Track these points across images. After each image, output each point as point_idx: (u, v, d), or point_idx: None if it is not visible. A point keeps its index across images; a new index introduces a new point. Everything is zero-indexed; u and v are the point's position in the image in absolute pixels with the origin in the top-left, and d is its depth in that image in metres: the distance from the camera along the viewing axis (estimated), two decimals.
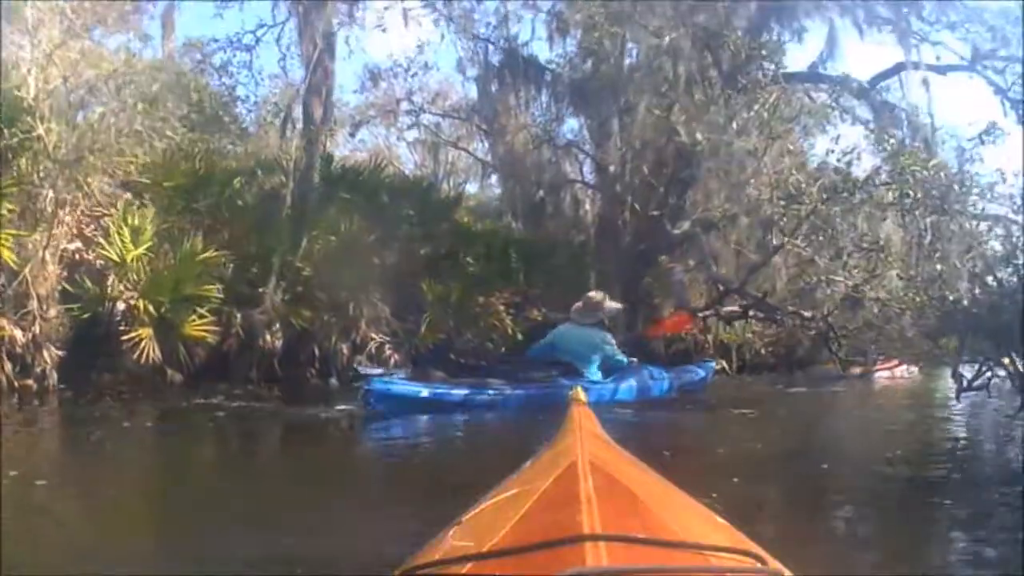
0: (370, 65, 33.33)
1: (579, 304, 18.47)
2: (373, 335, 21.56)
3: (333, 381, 20.84)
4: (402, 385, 15.56)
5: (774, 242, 22.36)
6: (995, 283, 14.24)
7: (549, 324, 22.11)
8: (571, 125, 29.67)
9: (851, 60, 25.98)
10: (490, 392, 16.34)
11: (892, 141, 20.31)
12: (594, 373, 17.42)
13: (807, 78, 25.90)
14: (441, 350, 20.94)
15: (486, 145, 33.32)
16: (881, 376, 29.50)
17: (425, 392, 15.58)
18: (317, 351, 20.94)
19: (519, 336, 23.67)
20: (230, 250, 20.05)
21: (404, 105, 33.83)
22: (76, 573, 5.72)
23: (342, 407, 16.36)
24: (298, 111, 24.00)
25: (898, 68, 25.59)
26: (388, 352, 21.51)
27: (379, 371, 16.71)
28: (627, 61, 26.40)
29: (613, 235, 27.50)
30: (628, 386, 17.99)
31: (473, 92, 30.93)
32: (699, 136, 22.29)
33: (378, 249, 22.26)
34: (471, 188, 36.19)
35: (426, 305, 22.69)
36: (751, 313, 24.23)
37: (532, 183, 29.66)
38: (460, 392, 16.05)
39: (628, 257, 26.61)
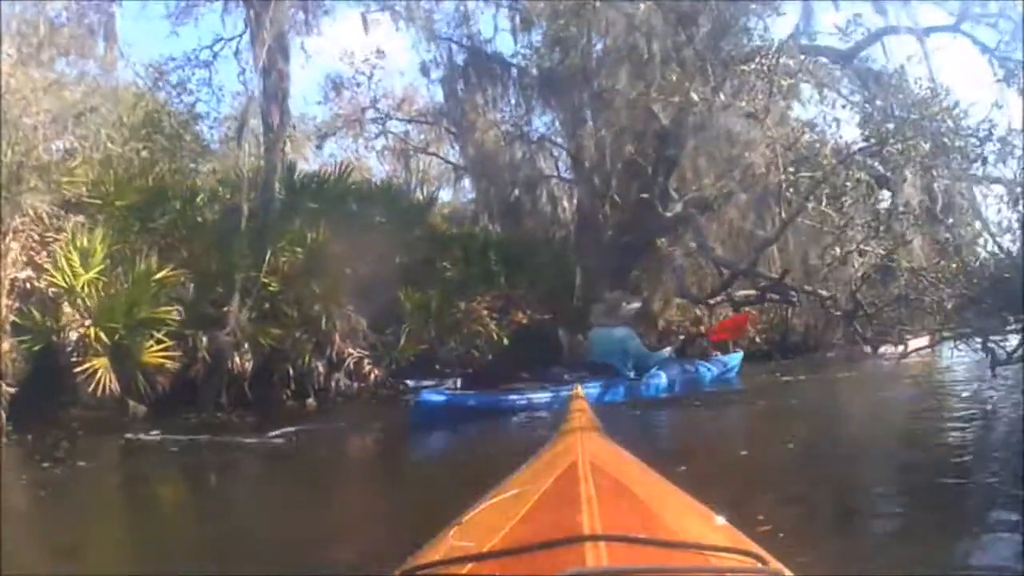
0: (332, 75, 32.86)
1: (599, 306, 19.21)
2: (351, 350, 19.96)
3: (311, 401, 19.24)
4: (449, 396, 16.12)
5: (782, 215, 20.92)
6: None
7: (534, 326, 22.90)
8: (543, 121, 29.00)
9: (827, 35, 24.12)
10: (528, 397, 16.67)
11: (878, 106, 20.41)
12: (627, 371, 17.89)
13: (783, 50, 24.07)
14: (424, 361, 20.42)
15: (456, 149, 32.45)
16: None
17: (472, 401, 16.08)
18: (291, 371, 19.19)
19: (505, 341, 22.41)
20: (190, 269, 18.49)
21: (369, 113, 33.14)
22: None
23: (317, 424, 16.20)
24: (257, 122, 22.60)
25: (879, 34, 24.05)
26: (368, 367, 20.01)
27: (431, 383, 17.18)
28: (596, 46, 25.11)
29: (594, 229, 26.50)
30: (662, 382, 18.52)
31: (439, 95, 30.19)
32: (684, 111, 21.14)
33: (349, 259, 20.60)
34: (444, 195, 34.64)
35: (405, 315, 21.21)
36: (769, 296, 22.45)
37: (506, 183, 28.77)
38: (503, 399, 16.56)
39: (612, 250, 25.33)
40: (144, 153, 21.88)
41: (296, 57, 22.24)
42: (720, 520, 3.09)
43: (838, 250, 19.93)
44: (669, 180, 24.50)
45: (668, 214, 23.64)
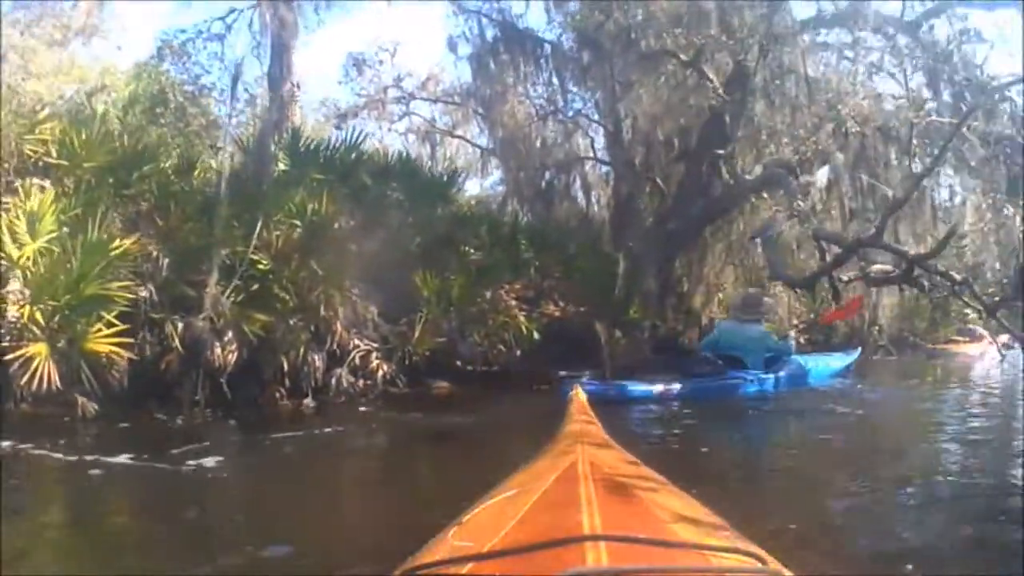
0: (355, 54, 30.30)
1: (738, 302, 18.71)
2: (356, 342, 16.53)
3: (308, 401, 15.69)
4: (594, 385, 15.35)
5: (912, 167, 17.93)
6: None
7: (568, 320, 20.35)
8: (579, 96, 26.14)
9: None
10: (673, 386, 16.43)
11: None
12: (757, 366, 17.45)
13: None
14: (442, 356, 17.96)
15: (484, 131, 29.38)
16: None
17: (612, 391, 15.69)
18: (285, 365, 15.59)
19: (535, 335, 19.18)
20: (166, 243, 15.00)
21: (393, 93, 30.53)
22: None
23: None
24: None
25: (938, 10, 20.21)
26: (376, 362, 16.60)
27: (585, 375, 16.73)
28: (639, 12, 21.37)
29: (634, 215, 23.14)
30: (786, 376, 17.91)
31: (466, 75, 27.58)
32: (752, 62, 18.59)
33: (357, 237, 17.39)
34: (471, 186, 31.17)
35: (421, 303, 17.83)
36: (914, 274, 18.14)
37: (537, 165, 26.30)
38: (651, 388, 16.26)
39: (655, 237, 22.21)
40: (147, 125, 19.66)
41: (318, 36, 19.62)
42: (720, 520, 3.11)
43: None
44: (729, 153, 20.90)
45: (748, 178, 20.42)
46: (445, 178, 22.30)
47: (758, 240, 20.28)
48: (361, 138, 20.89)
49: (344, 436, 13.20)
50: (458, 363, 18.30)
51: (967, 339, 34.33)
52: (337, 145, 20.13)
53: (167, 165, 17.06)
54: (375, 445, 13.21)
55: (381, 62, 30.25)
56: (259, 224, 15.67)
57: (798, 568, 2.66)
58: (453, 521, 3.13)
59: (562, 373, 17.35)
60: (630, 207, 23.38)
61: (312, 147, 19.33)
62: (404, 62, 29.15)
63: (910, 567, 6.14)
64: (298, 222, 16.50)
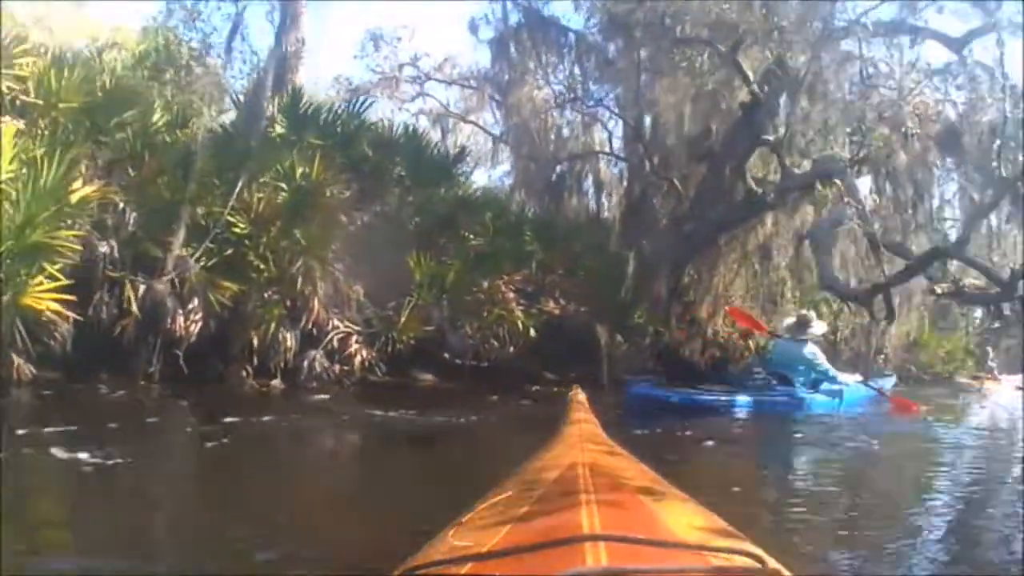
0: (373, 30, 28.49)
1: (791, 322, 18.07)
2: (337, 323, 14.84)
3: (276, 383, 14.13)
4: (657, 390, 15.48)
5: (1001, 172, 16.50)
6: None
7: (569, 319, 18.88)
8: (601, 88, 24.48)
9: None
10: (725, 398, 15.87)
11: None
12: (801, 386, 17.06)
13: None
14: (429, 347, 16.58)
15: (498, 119, 28.22)
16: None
17: (674, 397, 15.30)
18: (256, 342, 14.02)
19: (532, 332, 17.63)
20: (136, 196, 13.51)
21: (408, 72, 28.82)
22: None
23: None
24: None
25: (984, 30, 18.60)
26: (354, 346, 14.94)
27: (645, 378, 16.54)
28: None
29: (648, 216, 21.74)
30: (832, 402, 17.16)
31: (485, 59, 26.35)
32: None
33: (350, 209, 15.94)
34: (479, 177, 28.71)
35: (412, 286, 16.19)
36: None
37: (549, 157, 24.91)
38: (706, 397, 15.70)
39: (669, 240, 20.63)
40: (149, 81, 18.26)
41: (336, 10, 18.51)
42: (720, 521, 2.99)
43: None
44: (778, 142, 19.12)
45: (797, 170, 18.87)
46: (451, 157, 20.55)
47: (804, 242, 19.95)
48: (366, 105, 19.24)
49: (303, 431, 11.32)
50: (446, 355, 16.79)
51: (988, 376, 32.64)
52: (340, 111, 18.57)
53: (158, 119, 15.41)
54: (339, 445, 11.03)
55: (399, 39, 28.55)
56: (240, 183, 14.10)
57: (798, 569, 2.70)
58: (453, 521, 2.99)
59: (628, 377, 16.69)
60: (644, 207, 22.08)
61: (312, 109, 17.79)
62: (422, 43, 27.70)
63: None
64: (284, 185, 14.96)
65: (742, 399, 15.92)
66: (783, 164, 18.79)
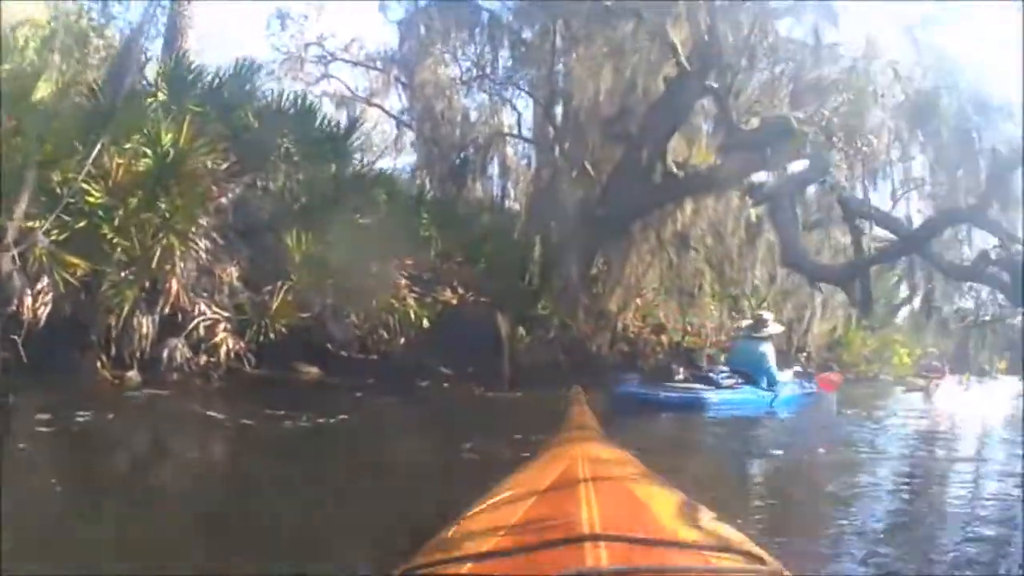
0: (282, 8, 27.71)
1: (750, 322, 18.76)
2: (204, 308, 13.33)
3: (132, 374, 12.52)
4: (643, 389, 15.82)
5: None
6: None
7: (468, 309, 17.91)
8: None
9: None
10: (706, 396, 16.15)
11: None
12: (762, 384, 17.63)
13: None
14: (306, 335, 15.09)
15: (405, 102, 26.87)
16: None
17: (660, 395, 15.61)
18: (115, 328, 12.43)
19: (425, 322, 16.37)
20: None
21: (314, 52, 27.75)
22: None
23: None
24: None
25: None
26: (221, 335, 13.39)
27: (634, 377, 16.89)
28: None
29: (557, 200, 20.06)
30: (785, 398, 18.12)
31: (394, 40, 25.55)
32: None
33: (221, 180, 14.34)
34: (383, 164, 27.29)
35: (291, 268, 14.56)
36: None
37: (455, 141, 24.17)
38: (685, 396, 15.90)
39: (578, 227, 19.20)
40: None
41: None
42: (720, 520, 2.94)
43: None
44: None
45: (744, 126, 17.99)
46: (343, 130, 18.77)
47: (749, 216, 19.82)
48: (252, 69, 17.63)
49: (125, 432, 9.61)
50: (329, 346, 15.34)
51: (934, 374, 30.75)
52: (224, 76, 16.94)
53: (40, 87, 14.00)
54: (173, 459, 8.89)
55: (306, 17, 27.71)
56: (98, 147, 12.44)
57: (798, 569, 2.67)
58: (453, 521, 2.90)
59: (624, 376, 16.57)
60: (552, 192, 20.61)
61: (194, 75, 16.28)
62: (331, 22, 26.46)
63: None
64: (148, 151, 13.22)
65: (716, 397, 16.24)
66: (728, 118, 17.84)
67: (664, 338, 22.69)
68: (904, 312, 31.08)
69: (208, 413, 10.83)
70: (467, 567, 2.31)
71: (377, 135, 29.03)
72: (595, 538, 2.27)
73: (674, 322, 22.70)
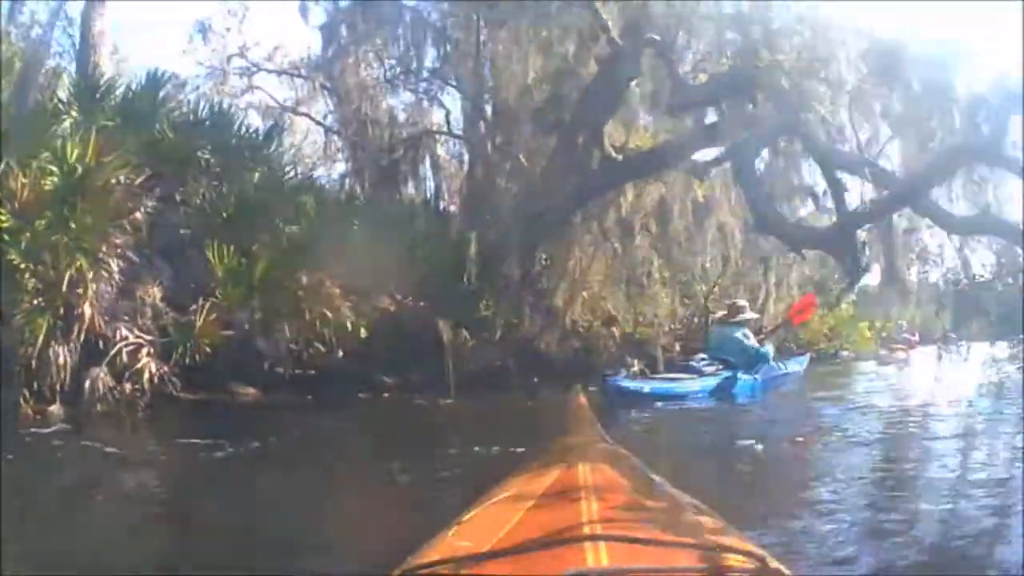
0: (203, 20, 26.64)
1: (724, 312, 19.45)
2: (126, 332, 12.54)
3: (55, 409, 11.61)
4: (631, 382, 16.05)
5: None
6: None
7: (407, 315, 17.27)
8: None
9: None
10: (694, 387, 16.61)
11: None
12: (742, 369, 17.99)
13: None
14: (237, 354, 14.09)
15: (331, 107, 26.40)
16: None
17: (647, 388, 15.97)
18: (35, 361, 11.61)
19: (363, 332, 15.48)
20: None
21: (237, 64, 26.92)
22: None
23: None
24: None
25: None
26: (144, 360, 12.49)
27: (622, 372, 16.94)
28: None
29: (491, 196, 20.10)
30: (764, 380, 18.59)
31: (317, 46, 24.77)
32: None
33: (138, 197, 13.51)
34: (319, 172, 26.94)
35: (215, 284, 13.84)
36: None
37: (384, 144, 23.72)
38: (674, 387, 16.39)
39: (515, 222, 18.40)
40: None
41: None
42: (719, 520, 3.04)
43: None
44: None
45: (694, 82, 17.27)
46: (262, 136, 18.08)
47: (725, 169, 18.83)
48: (166, 80, 16.81)
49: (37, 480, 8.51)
50: (265, 365, 14.39)
51: (904, 346, 34.23)
52: (137, 89, 16.25)
53: None
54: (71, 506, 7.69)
55: (228, 29, 26.78)
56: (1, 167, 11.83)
57: (797, 569, 2.90)
58: (453, 521, 2.96)
59: (608, 371, 16.66)
60: (487, 186, 20.46)
61: (104, 88, 15.58)
62: (254, 32, 25.96)
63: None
64: (56, 169, 12.44)
65: (701, 385, 16.79)
66: (674, 75, 16.79)
67: (616, 330, 21.86)
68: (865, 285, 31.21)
69: (114, 450, 9.88)
70: (467, 567, 2.30)
71: (309, 146, 28.23)
72: (595, 538, 2.29)
73: (624, 313, 22.00)
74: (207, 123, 16.99)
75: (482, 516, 3.05)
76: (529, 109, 18.77)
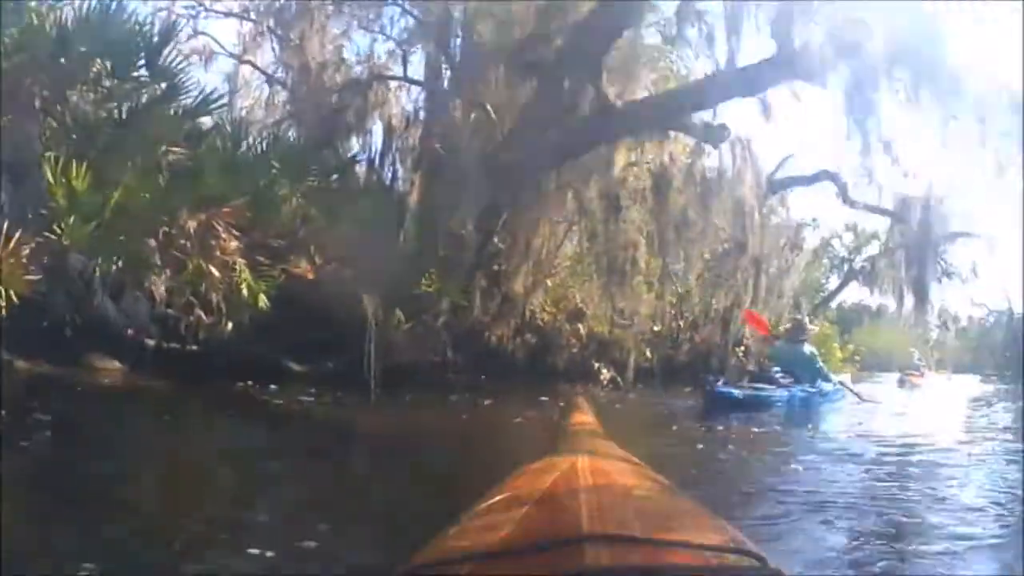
0: None
1: (789, 326, 19.78)
2: None
3: None
4: (728, 388, 16.54)
5: None
6: None
7: (325, 283, 13.92)
8: None
9: None
10: (778, 394, 17.26)
11: None
12: (809, 382, 18.46)
13: None
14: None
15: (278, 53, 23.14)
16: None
17: (741, 394, 16.36)
18: None
19: (262, 301, 11.95)
20: None
21: (182, 5, 22.68)
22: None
23: None
24: None
25: None
26: None
27: (720, 379, 17.59)
28: None
29: (448, 146, 16.60)
30: (828, 399, 18.87)
31: None
32: None
33: None
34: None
35: (49, 214, 10.33)
36: None
37: (328, 87, 20.23)
38: (762, 395, 16.90)
39: (475, 177, 14.87)
40: None
41: None
42: (719, 520, 2.82)
43: None
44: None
45: None
46: (156, 37, 14.10)
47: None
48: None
49: None
50: (130, 332, 11.32)
51: (915, 373, 32.70)
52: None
53: None
54: None
55: None
56: None
57: (796, 569, 2.89)
58: (453, 521, 2.68)
59: (711, 377, 17.23)
60: (444, 136, 17.08)
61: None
62: None
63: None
64: None
65: (783, 394, 17.15)
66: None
67: (582, 327, 19.56)
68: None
69: None
70: (467, 567, 2.12)
71: (251, 99, 24.69)
72: (595, 538, 2.10)
73: (594, 308, 19.29)
74: (95, 23, 12.78)
75: (482, 516, 2.67)
76: (507, 49, 15.62)
